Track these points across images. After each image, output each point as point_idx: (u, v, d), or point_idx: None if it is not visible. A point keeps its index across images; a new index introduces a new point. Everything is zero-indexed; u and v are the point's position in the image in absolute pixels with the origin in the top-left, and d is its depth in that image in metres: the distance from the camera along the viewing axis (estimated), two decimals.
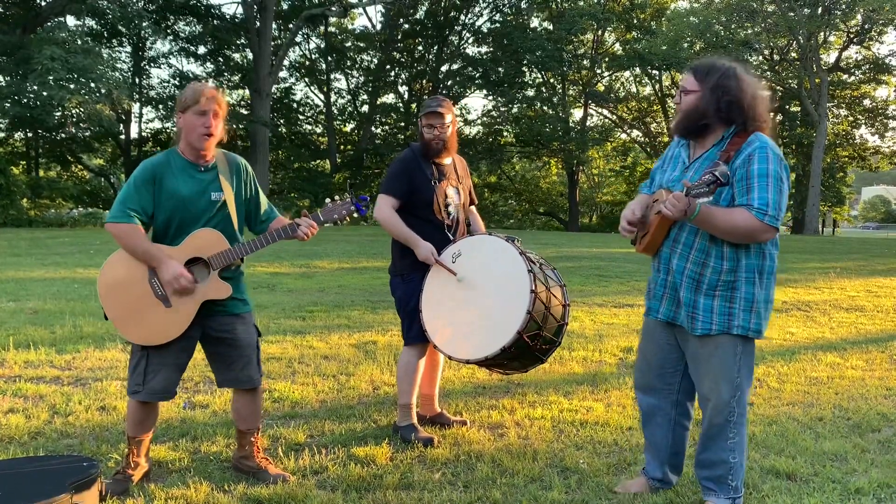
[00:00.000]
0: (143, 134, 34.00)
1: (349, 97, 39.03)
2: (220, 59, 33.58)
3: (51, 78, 21.12)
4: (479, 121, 38.37)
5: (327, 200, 3.35)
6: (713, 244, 2.83)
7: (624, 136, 41.36)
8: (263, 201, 3.39)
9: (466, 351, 3.59)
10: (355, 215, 3.30)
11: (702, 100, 2.82)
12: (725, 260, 2.82)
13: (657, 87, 37.96)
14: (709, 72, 2.84)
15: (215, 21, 31.85)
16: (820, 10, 29.65)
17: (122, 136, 32.92)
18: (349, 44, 37.72)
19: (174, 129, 32.51)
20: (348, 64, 37.84)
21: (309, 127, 39.44)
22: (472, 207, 4.21)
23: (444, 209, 3.90)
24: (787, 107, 35.20)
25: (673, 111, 3.02)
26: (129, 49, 31.75)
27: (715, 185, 2.57)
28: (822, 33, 31.10)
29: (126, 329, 3.12)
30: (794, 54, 33.37)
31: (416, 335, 3.83)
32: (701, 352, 2.92)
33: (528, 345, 3.49)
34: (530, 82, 36.55)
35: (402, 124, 37.06)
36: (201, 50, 33.14)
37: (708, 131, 2.87)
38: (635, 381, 3.28)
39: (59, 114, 23.03)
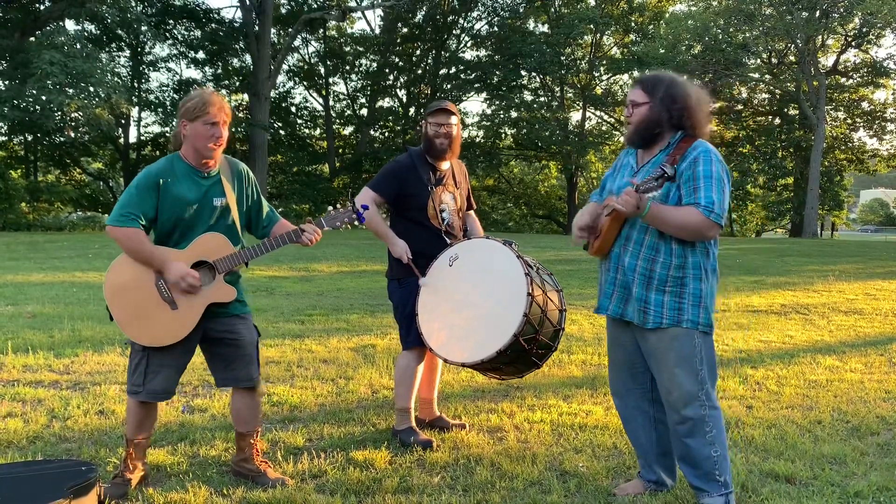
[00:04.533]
0: (142, 138, 34.05)
1: (348, 101, 39.09)
2: (219, 63, 33.62)
3: (50, 82, 21.14)
4: (477, 124, 38.42)
5: (329, 208, 3.44)
6: (662, 241, 2.96)
7: (623, 139, 41.36)
8: (265, 206, 3.42)
9: (462, 354, 3.58)
10: (357, 223, 3.39)
11: (653, 110, 2.99)
12: (674, 256, 2.95)
13: None
14: (655, 84, 3.02)
15: (214, 25, 31.90)
16: (818, 13, 29.71)
17: (121, 140, 32.94)
18: (348, 48, 37.77)
19: (171, 131, 32.51)
20: (347, 68, 37.89)
21: (308, 131, 39.51)
22: (471, 212, 4.22)
23: (438, 214, 3.91)
24: (786, 110, 35.24)
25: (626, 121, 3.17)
26: (127, 53, 31.79)
27: (663, 179, 2.73)
28: (819, 37, 31.16)
29: (132, 331, 3.13)
30: (792, 58, 33.42)
31: (413, 339, 3.83)
32: (658, 346, 2.99)
33: (524, 349, 3.48)
34: (528, 85, 36.58)
35: (401, 128, 37.09)
36: (200, 54, 33.20)
37: (659, 139, 3.04)
38: (610, 386, 3.34)
39: (58, 118, 23.04)
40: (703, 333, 2.98)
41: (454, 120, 3.91)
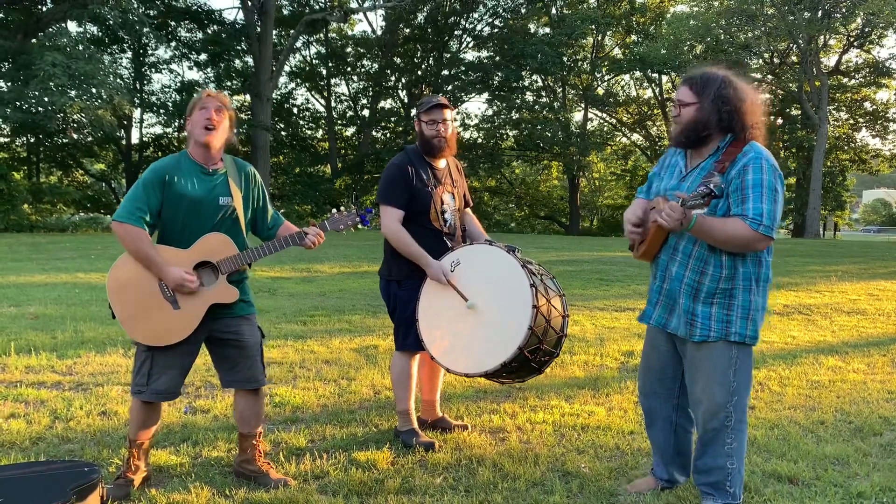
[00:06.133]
0: (144, 139, 34.08)
1: (349, 102, 39.10)
2: (222, 64, 33.63)
3: (52, 84, 21.15)
4: (479, 126, 38.41)
5: (333, 211, 3.44)
6: (711, 253, 2.86)
7: (624, 139, 41.37)
8: (270, 208, 3.43)
9: (465, 364, 3.56)
10: (360, 226, 3.38)
11: (702, 111, 2.85)
12: (724, 268, 2.85)
13: (657, 90, 38.00)
14: (706, 83, 2.86)
15: (216, 27, 31.92)
16: (820, 13, 29.68)
17: (123, 142, 32.96)
18: (349, 49, 37.78)
19: (173, 133, 32.46)
20: (348, 69, 37.91)
21: (310, 132, 39.53)
22: (468, 210, 4.13)
23: (440, 216, 3.83)
24: (788, 110, 35.22)
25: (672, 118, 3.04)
26: (129, 55, 31.81)
27: (710, 198, 2.61)
28: (822, 37, 31.13)
29: (133, 329, 3.13)
30: (794, 58, 33.40)
31: (411, 343, 3.79)
32: (696, 355, 2.95)
33: (527, 359, 3.48)
34: (530, 86, 36.57)
35: (402, 129, 37.08)
36: (202, 56, 33.22)
37: (708, 141, 2.90)
38: (638, 385, 3.32)
39: (60, 119, 23.07)
40: (744, 346, 2.90)
41: (449, 115, 3.79)
